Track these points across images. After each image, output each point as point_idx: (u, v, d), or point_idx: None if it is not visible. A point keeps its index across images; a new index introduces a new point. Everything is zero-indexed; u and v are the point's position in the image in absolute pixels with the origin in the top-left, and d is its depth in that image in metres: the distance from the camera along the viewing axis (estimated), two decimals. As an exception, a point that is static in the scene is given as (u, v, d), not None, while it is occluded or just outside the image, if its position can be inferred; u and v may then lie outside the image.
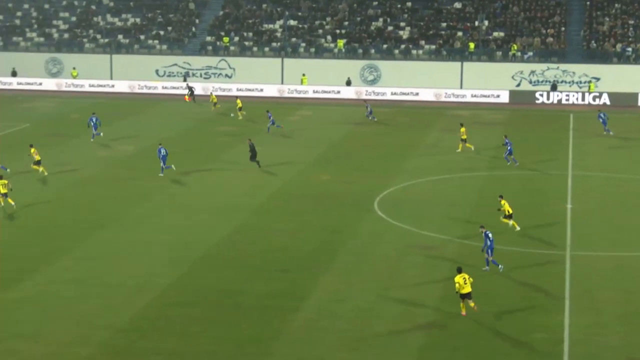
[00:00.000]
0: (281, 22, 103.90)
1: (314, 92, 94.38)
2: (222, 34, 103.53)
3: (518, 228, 47.01)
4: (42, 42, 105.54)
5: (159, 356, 32.69)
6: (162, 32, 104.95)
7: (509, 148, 61.95)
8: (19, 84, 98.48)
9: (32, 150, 58.77)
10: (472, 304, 36.04)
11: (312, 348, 33.51)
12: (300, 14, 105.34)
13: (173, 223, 49.06)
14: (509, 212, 46.68)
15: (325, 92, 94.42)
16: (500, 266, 41.09)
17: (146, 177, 58.88)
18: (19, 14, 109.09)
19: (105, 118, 73.98)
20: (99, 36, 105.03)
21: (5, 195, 50.34)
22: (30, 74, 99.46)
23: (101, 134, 70.43)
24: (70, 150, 65.86)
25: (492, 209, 48.19)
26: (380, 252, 44.19)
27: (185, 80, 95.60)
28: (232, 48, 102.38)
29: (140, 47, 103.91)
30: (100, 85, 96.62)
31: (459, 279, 36.07)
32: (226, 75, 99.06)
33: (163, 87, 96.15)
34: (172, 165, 59.61)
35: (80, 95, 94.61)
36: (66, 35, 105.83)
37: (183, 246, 44.97)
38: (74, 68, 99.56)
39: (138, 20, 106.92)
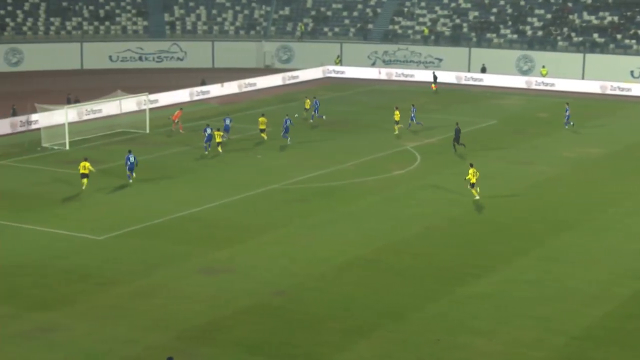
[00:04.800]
0: None
1: None
2: None
3: (477, 197, 50.93)
4: (514, 39, 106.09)
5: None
6: (639, 32, 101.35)
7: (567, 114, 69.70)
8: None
9: (261, 119, 64.89)
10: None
11: None
12: None
13: (640, 231, 46.92)
14: (472, 182, 50.83)
15: None
16: None
17: (613, 182, 56.84)
18: (494, 10, 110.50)
19: (575, 118, 72.79)
20: (573, 34, 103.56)
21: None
22: (499, 71, 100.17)
23: (324, 116, 73.97)
24: (533, 149, 65.45)
25: None
26: None
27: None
28: None
29: (615, 47, 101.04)
30: (570, 85, 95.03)
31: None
32: None
33: None
34: (289, 139, 64.88)
35: (549, 94, 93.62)
36: (539, 33, 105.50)
37: (648, 256, 42.87)
38: (543, 66, 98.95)
39: (615, 18, 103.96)
